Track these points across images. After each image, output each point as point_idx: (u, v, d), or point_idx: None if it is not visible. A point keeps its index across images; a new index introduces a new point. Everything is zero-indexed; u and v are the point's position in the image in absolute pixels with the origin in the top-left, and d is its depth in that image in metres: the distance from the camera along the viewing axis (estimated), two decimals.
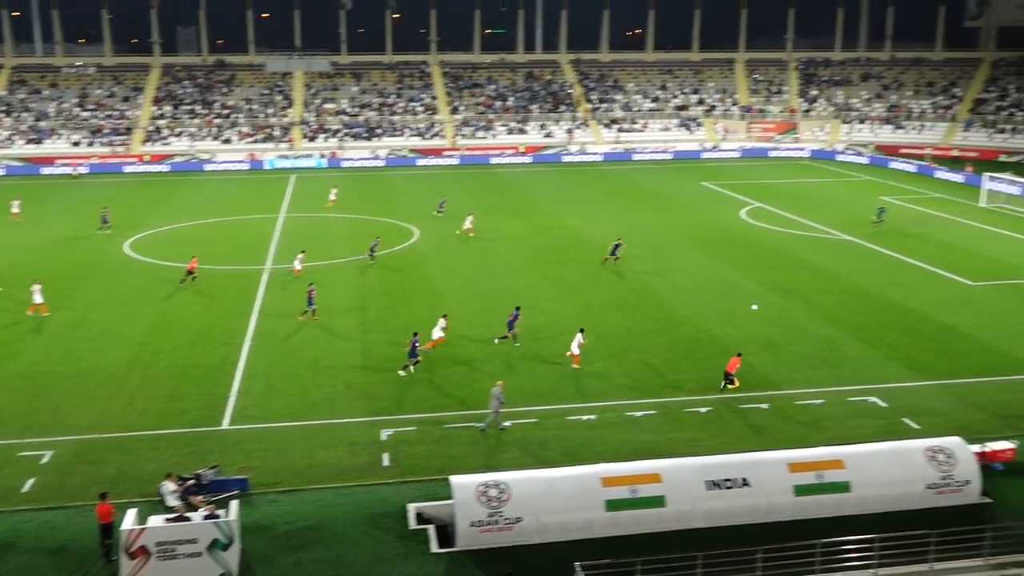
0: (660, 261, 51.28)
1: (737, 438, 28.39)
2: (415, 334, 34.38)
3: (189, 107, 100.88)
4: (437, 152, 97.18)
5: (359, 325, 39.68)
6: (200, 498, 24.39)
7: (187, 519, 22.06)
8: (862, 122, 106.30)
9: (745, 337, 37.88)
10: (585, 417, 29.98)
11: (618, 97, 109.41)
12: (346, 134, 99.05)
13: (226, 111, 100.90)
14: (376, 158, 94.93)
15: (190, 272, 46.26)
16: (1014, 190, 70.16)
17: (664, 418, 30.01)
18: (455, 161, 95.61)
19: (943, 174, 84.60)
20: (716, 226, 61.10)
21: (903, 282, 46.72)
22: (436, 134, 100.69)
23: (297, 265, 47.15)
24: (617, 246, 50.30)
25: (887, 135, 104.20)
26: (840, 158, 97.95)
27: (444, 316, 36.83)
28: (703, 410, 30.49)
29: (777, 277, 47.43)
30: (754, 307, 41.27)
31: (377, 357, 35.68)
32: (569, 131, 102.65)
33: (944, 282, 46.87)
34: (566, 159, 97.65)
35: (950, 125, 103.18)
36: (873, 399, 31.33)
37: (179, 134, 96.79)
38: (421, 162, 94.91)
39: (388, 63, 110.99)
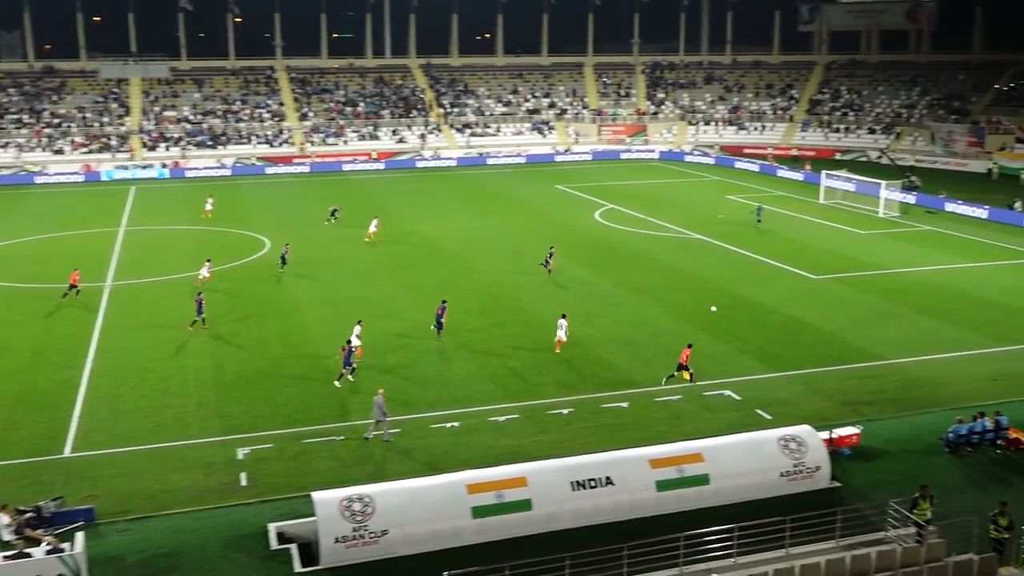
0: (518, 264, 51.83)
1: (600, 437, 28.92)
2: (348, 342, 34.37)
3: (15, 116, 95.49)
4: (287, 160, 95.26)
5: (210, 342, 38.45)
6: (40, 531, 23.05)
7: (27, 555, 20.81)
8: (707, 123, 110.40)
9: (604, 337, 38.65)
10: (449, 424, 29.93)
11: (470, 101, 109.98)
12: (189, 143, 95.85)
13: (57, 120, 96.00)
14: (222, 167, 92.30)
15: (73, 286, 44.38)
16: (849, 187, 74.22)
17: (528, 421, 30.28)
18: (306, 169, 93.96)
19: (784, 173, 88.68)
20: (572, 228, 62.19)
21: (751, 278, 48.72)
22: (285, 141, 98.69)
23: (205, 272, 46.68)
24: (551, 254, 49.41)
25: (731, 136, 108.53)
26: (688, 159, 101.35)
27: (359, 322, 36.51)
28: (566, 411, 30.92)
29: (632, 277, 48.65)
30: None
31: (230, 373, 34.65)
32: (422, 136, 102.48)
33: (789, 277, 49.12)
34: (420, 165, 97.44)
35: (789, 125, 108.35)
36: (728, 392, 32.49)
37: (5, 145, 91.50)
38: (270, 170, 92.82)
39: (232, 68, 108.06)
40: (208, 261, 47.92)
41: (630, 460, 24.92)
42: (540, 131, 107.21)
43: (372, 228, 58.72)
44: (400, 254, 54.61)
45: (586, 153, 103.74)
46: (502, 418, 30.45)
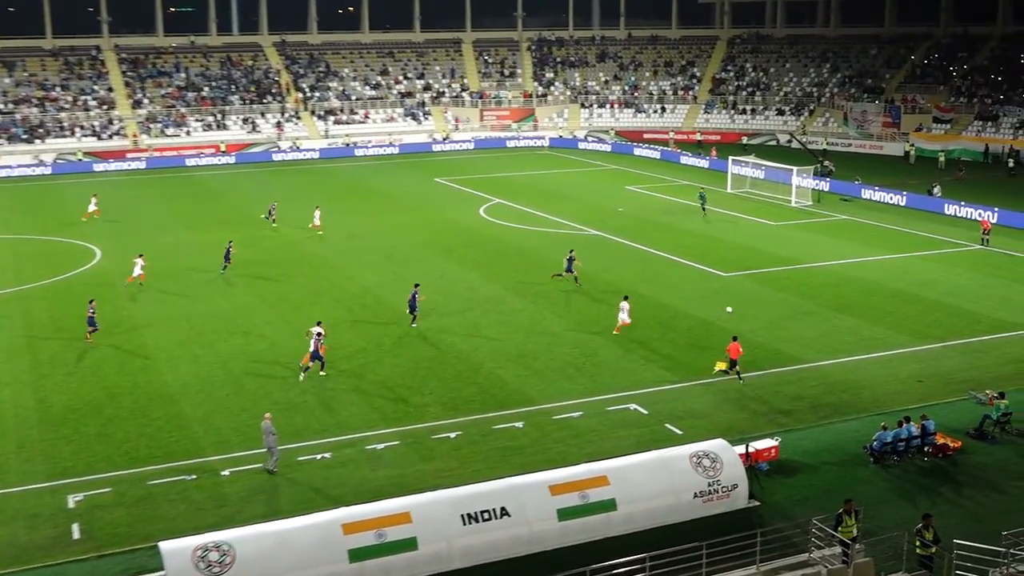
0: (393, 268, 51.59)
1: (493, 463, 28.94)
2: (319, 334, 36.56)
3: None
4: (119, 155, 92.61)
5: (31, 370, 37.00)
6: None
7: None
8: (602, 106, 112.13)
9: (494, 349, 38.78)
10: (319, 456, 29.51)
11: (333, 84, 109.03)
12: (0, 136, 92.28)
13: None
14: (41, 164, 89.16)
15: None
16: (758, 174, 76.42)
17: (410, 448, 30.09)
18: (142, 164, 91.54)
19: (688, 160, 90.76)
20: (454, 227, 62.26)
21: (655, 277, 49.61)
22: (116, 133, 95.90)
23: (138, 271, 47.99)
24: (571, 260, 48.09)
25: (628, 119, 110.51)
26: (582, 146, 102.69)
27: (318, 323, 38.12)
28: (453, 435, 30.85)
29: (523, 279, 48.96)
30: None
31: (57, 407, 33.40)
32: (278, 125, 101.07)
33: (697, 274, 50.22)
34: (277, 157, 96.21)
35: (691, 107, 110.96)
36: (634, 406, 32.97)
37: None
38: (99, 167, 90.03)
39: (50, 49, 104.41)
40: (140, 257, 48.79)
41: (527, 487, 24.99)
42: (414, 117, 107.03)
43: (316, 220, 61.21)
44: (257, 261, 53.69)
45: (467, 141, 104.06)
46: (380, 445, 30.19)
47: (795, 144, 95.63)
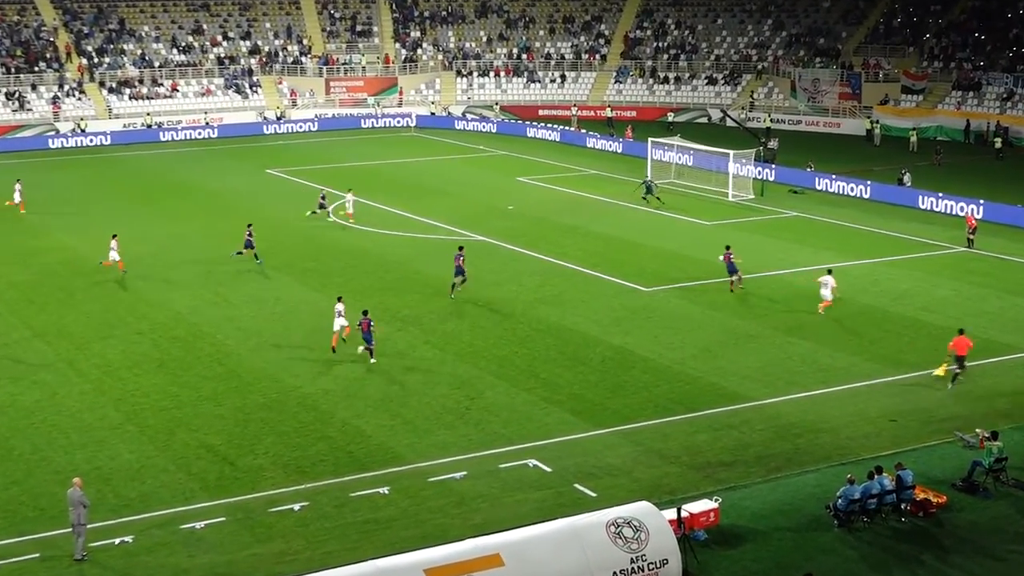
0: (213, 289, 50.98)
1: (351, 542, 28.66)
2: (365, 313, 41.23)
3: None
4: None
5: None
6: None
7: None
8: (484, 75, 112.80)
9: (351, 392, 38.51)
10: (118, 540, 28.86)
11: (128, 47, 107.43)
12: None
13: None
14: None
15: None
16: (685, 160, 77.61)
17: (241, 526, 29.64)
18: None
19: (597, 143, 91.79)
20: (293, 233, 61.72)
21: (557, 295, 49.91)
22: None
23: (114, 256, 52.85)
24: (729, 258, 50.49)
25: (519, 91, 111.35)
26: (459, 126, 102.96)
27: (339, 299, 43.02)
28: (297, 507, 30.50)
29: (390, 300, 48.78)
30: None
31: None
32: (55, 101, 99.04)
33: (611, 290, 50.69)
34: (55, 144, 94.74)
35: (599, 75, 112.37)
36: (533, 462, 33.00)
37: None
38: None
39: None
40: (114, 239, 53.41)
41: (395, 571, 24.80)
42: (239, 90, 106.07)
43: (349, 207, 64.65)
44: (28, 284, 52.45)
45: (309, 121, 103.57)
46: (200, 524, 29.65)
47: (731, 122, 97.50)
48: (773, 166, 77.30)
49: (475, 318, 46.58)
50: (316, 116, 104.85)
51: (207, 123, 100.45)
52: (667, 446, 34.24)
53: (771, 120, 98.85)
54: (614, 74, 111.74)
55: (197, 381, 39.84)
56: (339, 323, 42.53)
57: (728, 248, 51.00)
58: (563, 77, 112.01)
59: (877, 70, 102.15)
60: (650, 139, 79.73)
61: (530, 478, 32.21)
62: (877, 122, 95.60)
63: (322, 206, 66.10)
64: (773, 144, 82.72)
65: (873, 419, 36.14)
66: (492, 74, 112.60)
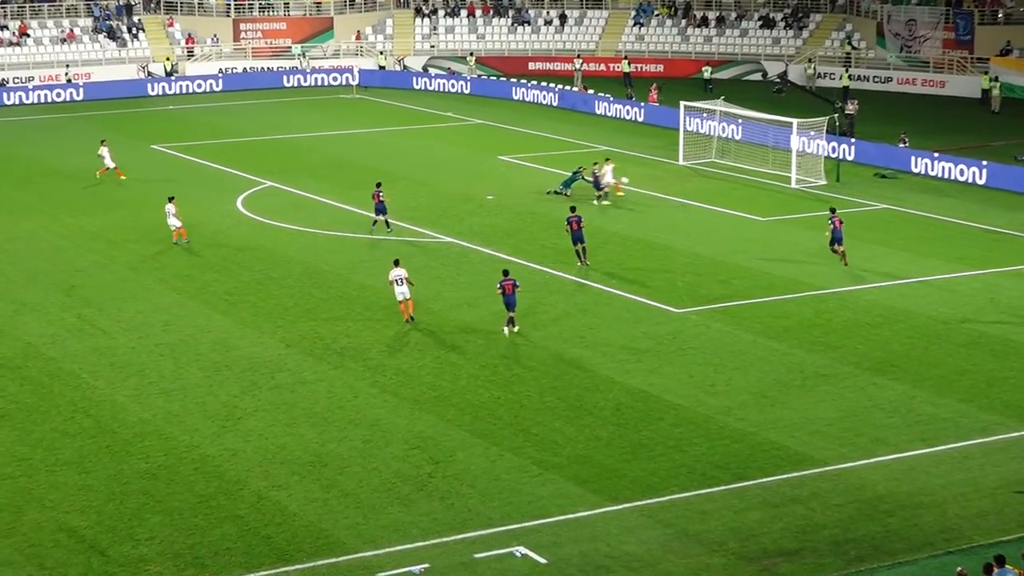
0: (76, 311, 50.95)
1: None
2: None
3: None
4: None
5: None
6: None
7: None
8: (454, 14, 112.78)
9: (267, 454, 38.23)
10: None
11: None
12: None
13: None
14: None
15: None
16: (732, 132, 77.48)
17: None
18: None
19: (608, 106, 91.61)
20: (188, 231, 61.44)
21: (555, 318, 49.95)
22: None
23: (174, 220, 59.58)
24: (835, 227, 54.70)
25: (501, 37, 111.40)
26: (420, 84, 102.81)
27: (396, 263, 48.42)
28: None
29: (322, 326, 48.69)
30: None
31: None
32: None
33: (629, 310, 50.66)
34: None
35: (612, 15, 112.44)
36: (522, 550, 32.54)
37: None
38: None
39: None
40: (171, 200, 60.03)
41: None
42: (113, 34, 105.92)
43: (619, 180, 67.66)
44: None
45: (212, 78, 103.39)
46: None
47: (794, 78, 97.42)
48: (853, 140, 77.25)
49: (441, 350, 46.39)
50: (221, 71, 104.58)
51: (69, 80, 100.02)
52: (708, 528, 34.07)
53: (849, 77, 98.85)
54: (632, 13, 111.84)
55: (55, 439, 39.50)
56: (401, 292, 47.85)
57: (834, 212, 53.95)
58: (563, 18, 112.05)
59: (996, 7, 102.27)
60: (682, 103, 79.69)
61: (518, 572, 32.09)
62: (996, 80, 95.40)
63: (596, 184, 67.07)
64: (852, 109, 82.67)
65: (991, 490, 35.97)
66: (465, 13, 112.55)
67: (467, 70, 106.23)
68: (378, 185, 60.48)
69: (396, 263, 48.66)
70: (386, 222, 60.64)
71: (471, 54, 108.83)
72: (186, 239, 59.69)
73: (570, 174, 67.65)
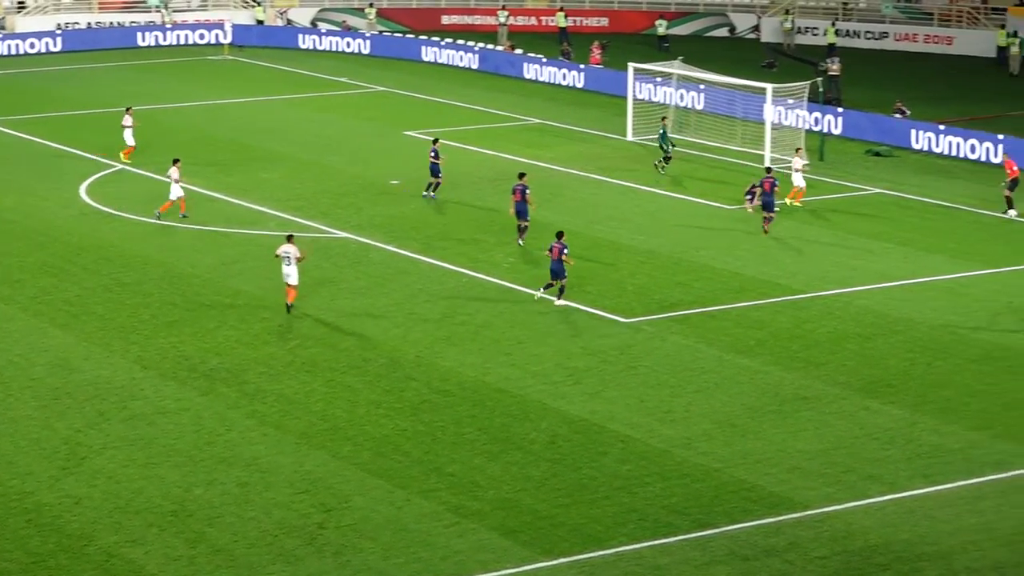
0: None
1: None
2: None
3: None
4: None
5: None
6: None
7: None
8: None
9: (120, 501, 38.06)
10: None
11: None
12: None
13: None
14: None
15: None
16: (691, 100, 77.99)
17: None
18: None
19: (539, 69, 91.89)
20: (18, 227, 61.38)
21: (475, 331, 50.12)
22: None
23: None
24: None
25: None
26: (309, 43, 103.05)
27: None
28: None
29: (187, 342, 48.73)
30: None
31: None
32: None
33: (567, 321, 50.92)
34: None
35: None
36: None
37: None
38: None
39: None
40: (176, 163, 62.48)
41: None
42: None
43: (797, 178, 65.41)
44: None
45: (48, 35, 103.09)
46: None
47: (766, 36, 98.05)
48: (840, 110, 77.73)
49: (335, 372, 46.46)
50: (60, 27, 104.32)
51: None
52: None
53: (836, 33, 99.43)
54: None
55: None
56: (287, 274, 48.20)
57: (769, 172, 56.30)
58: None
59: None
60: (631, 64, 80.00)
61: None
62: (1015, 35, 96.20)
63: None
64: (835, 70, 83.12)
65: (1008, 538, 36.24)
66: None
67: (366, 25, 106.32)
68: (435, 141, 63.84)
69: (289, 238, 49.39)
70: (434, 184, 63.86)
71: (371, 4, 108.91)
72: (183, 212, 62.33)
73: (659, 133, 69.13)
